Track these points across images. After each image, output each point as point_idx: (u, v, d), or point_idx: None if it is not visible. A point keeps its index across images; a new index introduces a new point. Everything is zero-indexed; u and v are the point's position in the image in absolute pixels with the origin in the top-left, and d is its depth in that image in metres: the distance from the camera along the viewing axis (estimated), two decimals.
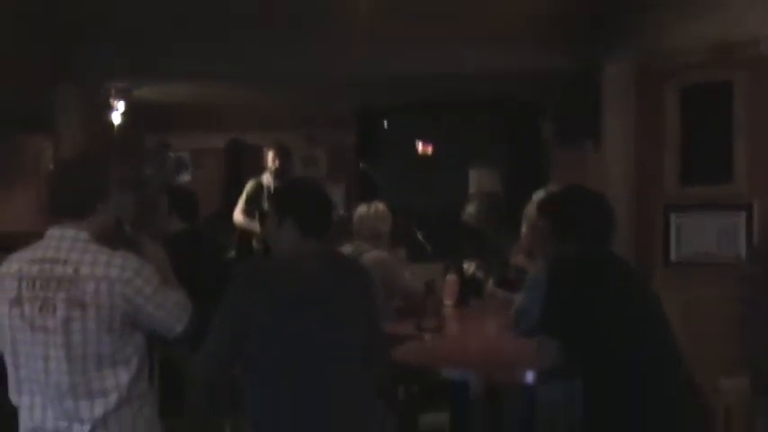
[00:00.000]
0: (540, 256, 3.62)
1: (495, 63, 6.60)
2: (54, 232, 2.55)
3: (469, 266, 6.02)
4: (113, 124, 7.72)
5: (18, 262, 2.53)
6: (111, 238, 2.65)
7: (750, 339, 3.50)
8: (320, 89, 8.16)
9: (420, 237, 6.44)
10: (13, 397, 2.57)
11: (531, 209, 3.78)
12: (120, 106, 7.48)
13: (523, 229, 3.84)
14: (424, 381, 3.64)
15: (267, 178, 6.82)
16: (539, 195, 3.86)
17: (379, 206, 4.47)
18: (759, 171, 5.11)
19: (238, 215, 6.82)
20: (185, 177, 9.29)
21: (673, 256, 5.48)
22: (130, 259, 2.54)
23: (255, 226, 6.73)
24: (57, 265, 2.47)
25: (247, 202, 6.82)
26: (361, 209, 4.41)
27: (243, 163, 8.88)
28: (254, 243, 6.73)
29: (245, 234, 6.81)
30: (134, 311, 2.50)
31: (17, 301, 2.47)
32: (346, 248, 4.16)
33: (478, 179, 9.55)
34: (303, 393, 2.68)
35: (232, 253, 6.70)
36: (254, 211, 6.81)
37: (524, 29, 5.79)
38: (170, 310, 2.59)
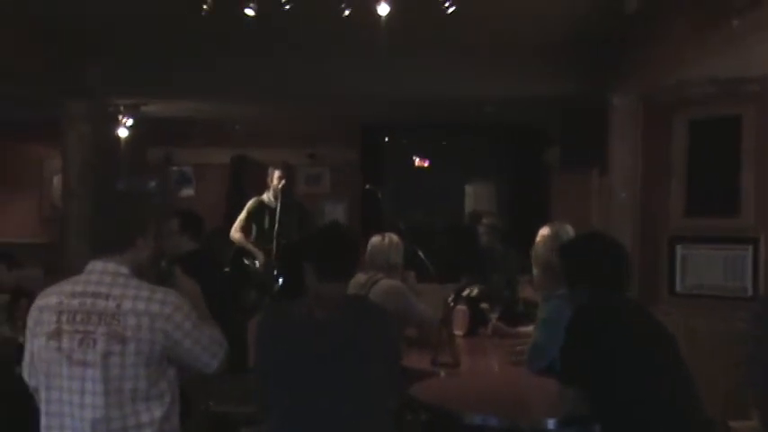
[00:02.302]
0: (552, 295, 3.67)
1: (501, 88, 6.65)
2: (96, 266, 2.58)
3: (471, 290, 6.06)
4: (119, 138, 7.74)
5: (58, 295, 2.55)
6: (148, 271, 2.69)
7: (757, 378, 3.52)
8: (324, 108, 8.22)
9: (422, 256, 6.49)
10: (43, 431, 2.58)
11: (540, 247, 3.81)
12: (128, 122, 7.49)
13: (534, 269, 3.87)
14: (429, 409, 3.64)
15: (268, 196, 6.89)
16: (545, 231, 3.90)
17: (393, 237, 4.50)
18: (766, 205, 5.17)
19: (236, 233, 6.88)
20: (188, 192, 9.29)
21: (678, 287, 5.52)
22: (171, 294, 2.57)
23: (251, 245, 6.80)
24: (99, 299, 2.50)
25: (246, 219, 6.89)
26: (375, 239, 4.44)
27: (246, 179, 8.91)
28: (245, 260, 6.80)
29: (240, 250, 6.87)
30: (172, 346, 2.53)
31: (56, 334, 2.49)
32: (360, 277, 4.18)
33: (474, 195, 9.66)
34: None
35: (226, 269, 6.73)
36: (252, 229, 6.88)
37: (532, 56, 5.83)
38: (206, 345, 2.62)
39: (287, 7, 4.08)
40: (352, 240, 2.99)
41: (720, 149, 5.40)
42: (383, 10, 4.08)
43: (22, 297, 5.42)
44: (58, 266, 6.43)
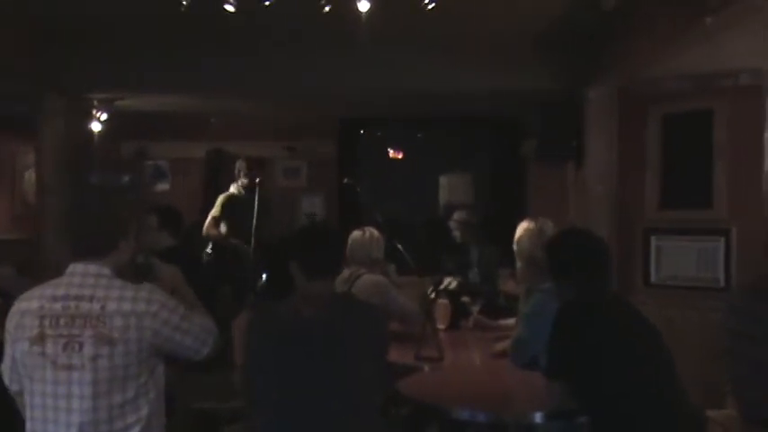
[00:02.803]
0: (535, 288, 3.73)
1: (477, 82, 6.68)
2: (77, 268, 2.58)
3: (450, 282, 6.11)
4: (93, 132, 7.68)
5: (39, 299, 2.53)
6: (126, 268, 2.69)
7: (734, 370, 3.60)
8: (302, 101, 8.20)
9: (401, 249, 6.53)
10: None
11: (524, 241, 3.86)
12: (102, 116, 7.44)
13: (518, 263, 3.92)
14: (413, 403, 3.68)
15: (237, 188, 6.93)
16: (524, 225, 3.96)
17: (374, 232, 4.53)
18: (737, 198, 5.27)
19: (211, 229, 6.88)
20: (163, 186, 9.24)
21: (652, 278, 5.62)
22: (156, 292, 2.59)
23: (229, 240, 6.82)
24: (82, 302, 2.49)
25: (219, 214, 6.89)
26: (356, 234, 4.46)
27: (222, 173, 8.89)
28: (224, 255, 6.80)
29: (219, 241, 6.86)
30: (162, 342, 2.55)
31: (39, 339, 2.48)
32: (342, 273, 4.20)
33: (449, 187, 9.67)
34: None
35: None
36: (221, 223, 6.89)
37: (510, 51, 5.88)
38: (197, 334, 2.64)
39: (266, 3, 4.08)
40: (338, 238, 3.04)
41: (694, 143, 5.49)
42: (363, 6, 4.09)
43: None
44: (33, 263, 6.40)
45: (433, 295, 5.79)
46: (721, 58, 5.01)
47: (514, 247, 3.94)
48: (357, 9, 4.11)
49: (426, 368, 3.71)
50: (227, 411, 4.38)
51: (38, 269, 6.05)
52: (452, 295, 4.82)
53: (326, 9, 4.17)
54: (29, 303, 2.55)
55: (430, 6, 4.14)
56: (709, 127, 5.37)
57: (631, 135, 5.76)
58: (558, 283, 3.02)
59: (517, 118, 8.62)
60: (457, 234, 6.71)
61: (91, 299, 2.50)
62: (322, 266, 2.86)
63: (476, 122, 9.09)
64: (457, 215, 6.75)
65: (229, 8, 4.23)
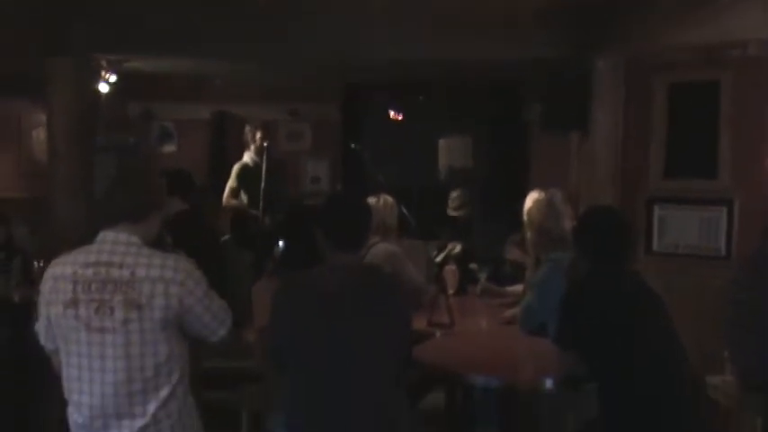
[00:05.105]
0: (545, 258, 3.83)
1: (483, 50, 6.70)
2: (107, 236, 2.66)
3: (453, 246, 6.21)
4: (100, 93, 7.71)
5: (72, 265, 2.63)
6: (153, 243, 2.77)
7: (736, 339, 3.72)
8: (305, 64, 8.21)
9: (405, 212, 6.60)
10: (65, 393, 2.69)
11: (534, 212, 3.94)
12: (111, 78, 7.46)
13: (528, 233, 3.99)
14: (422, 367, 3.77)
15: (250, 157, 6.95)
16: (534, 196, 4.03)
17: (388, 198, 4.57)
18: (741, 168, 5.35)
19: (229, 199, 6.95)
20: (170, 147, 9.28)
21: (655, 246, 5.71)
22: (182, 261, 2.68)
23: (244, 205, 6.89)
24: (112, 268, 2.58)
25: (236, 184, 6.95)
26: (370, 201, 4.51)
27: (228, 135, 8.94)
28: (247, 224, 6.87)
29: (239, 215, 6.93)
30: (184, 312, 2.63)
31: (72, 303, 2.58)
32: None
33: (448, 150, 9.70)
34: (331, 400, 2.78)
35: (227, 236, 6.78)
36: (239, 193, 6.96)
37: (518, 19, 5.89)
38: (216, 312, 2.73)
39: None
40: (367, 210, 3.05)
41: (699, 113, 5.54)
42: None
43: (16, 255, 5.47)
44: (45, 223, 6.48)
45: (437, 260, 5.91)
46: (729, 28, 5.06)
47: (524, 217, 4.02)
48: None
49: (438, 334, 3.79)
50: (237, 371, 4.49)
51: (52, 229, 6.15)
52: (460, 261, 4.91)
53: None
54: (63, 269, 2.65)
55: None
56: (715, 97, 5.42)
57: (637, 104, 5.81)
58: (582, 258, 3.08)
59: (519, 84, 8.63)
60: (457, 212, 6.77)
61: (120, 266, 2.59)
62: (350, 238, 2.90)
63: (478, 89, 9.08)
64: (454, 192, 6.74)
65: None
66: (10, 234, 6.01)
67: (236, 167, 7.00)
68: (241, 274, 5.47)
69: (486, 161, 9.46)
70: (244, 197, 6.93)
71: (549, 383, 2.99)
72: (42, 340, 2.77)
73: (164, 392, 2.61)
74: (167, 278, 2.59)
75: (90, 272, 2.59)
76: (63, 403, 2.72)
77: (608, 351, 2.79)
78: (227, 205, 6.94)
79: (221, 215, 6.90)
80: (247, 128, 7.09)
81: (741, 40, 5.29)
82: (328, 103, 9.18)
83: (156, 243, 2.80)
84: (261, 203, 6.66)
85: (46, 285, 2.68)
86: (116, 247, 2.64)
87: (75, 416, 2.66)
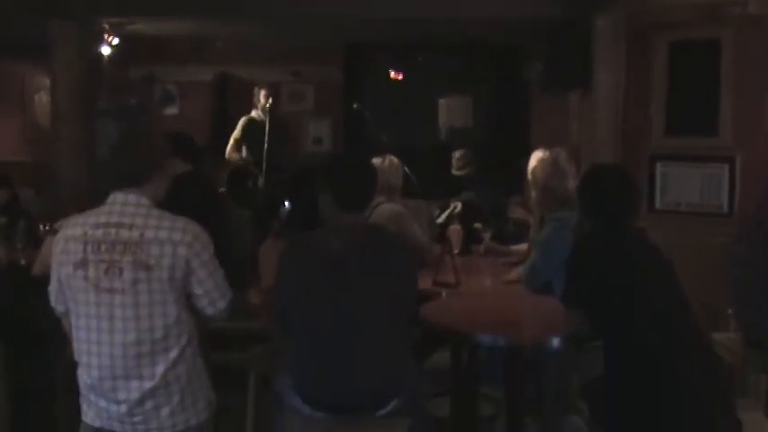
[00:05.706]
0: (549, 217, 3.86)
1: (486, 9, 6.66)
2: (117, 198, 2.68)
3: (455, 205, 6.24)
4: (103, 56, 7.70)
5: (82, 226, 2.64)
6: (159, 204, 2.80)
7: (741, 297, 3.76)
8: (308, 24, 8.17)
9: (407, 171, 6.62)
10: (75, 354, 2.71)
11: (538, 171, 3.95)
12: (114, 41, 7.45)
13: (533, 192, 4.01)
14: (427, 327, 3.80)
15: (258, 114, 7.01)
16: (539, 155, 4.04)
17: (393, 159, 4.58)
18: (742, 126, 5.37)
19: (232, 152, 6.99)
20: (172, 110, 9.27)
21: (657, 204, 5.76)
22: (191, 224, 2.69)
23: (248, 159, 6.94)
24: (122, 229, 2.60)
25: (240, 137, 7.00)
26: (375, 161, 4.51)
27: (230, 96, 8.93)
28: (247, 181, 6.91)
29: (238, 170, 6.97)
30: (189, 273, 2.64)
31: (82, 264, 2.60)
32: None
33: (448, 109, 9.69)
34: (337, 361, 2.82)
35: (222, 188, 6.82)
36: (243, 146, 7.01)
37: None
38: (218, 282, 2.74)
39: None
40: (373, 171, 3.06)
41: (700, 71, 5.56)
42: None
43: (21, 219, 5.50)
44: (50, 186, 6.52)
45: (439, 220, 5.94)
46: None
47: (528, 176, 4.03)
48: None
49: (443, 293, 3.82)
50: (244, 332, 4.53)
51: (57, 191, 6.19)
52: (464, 221, 4.94)
53: None
54: (73, 230, 2.66)
55: None
56: (716, 55, 5.43)
57: (638, 63, 5.82)
58: (585, 217, 3.10)
59: (519, 43, 8.60)
60: (459, 173, 6.79)
61: (130, 227, 2.60)
62: (355, 199, 2.91)
63: (478, 47, 9.05)
64: (457, 153, 6.78)
65: None
66: (15, 196, 6.04)
67: (242, 120, 7.06)
68: (240, 230, 5.51)
69: (486, 121, 9.47)
70: (245, 151, 6.97)
71: (555, 342, 3.02)
72: (53, 302, 2.79)
73: (173, 354, 2.63)
74: (176, 240, 2.61)
75: (100, 233, 2.61)
76: (70, 367, 2.75)
77: (608, 310, 2.81)
78: (230, 158, 7.00)
79: (222, 170, 6.94)
80: (255, 88, 7.12)
81: None
82: (330, 65, 9.16)
83: (163, 204, 2.83)
84: (264, 164, 6.70)
85: (57, 247, 2.69)
86: (126, 208, 2.65)
87: (84, 377, 2.68)
